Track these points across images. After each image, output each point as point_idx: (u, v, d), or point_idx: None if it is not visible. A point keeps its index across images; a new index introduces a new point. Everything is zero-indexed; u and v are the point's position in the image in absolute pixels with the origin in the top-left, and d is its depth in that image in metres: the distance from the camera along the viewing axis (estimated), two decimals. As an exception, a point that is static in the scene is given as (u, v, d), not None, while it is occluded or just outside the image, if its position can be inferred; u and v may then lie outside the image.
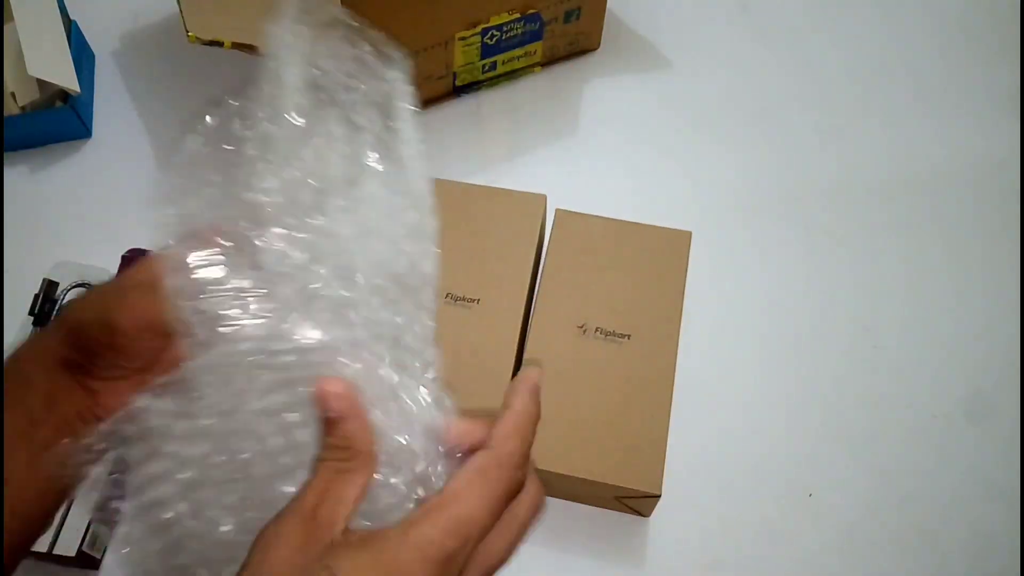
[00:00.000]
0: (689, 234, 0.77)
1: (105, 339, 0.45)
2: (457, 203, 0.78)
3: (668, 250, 0.76)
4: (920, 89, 0.98)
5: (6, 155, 0.91)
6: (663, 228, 0.77)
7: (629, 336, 0.72)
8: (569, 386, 0.70)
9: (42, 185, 0.91)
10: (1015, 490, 0.75)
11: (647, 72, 0.99)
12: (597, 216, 0.78)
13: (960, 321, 0.83)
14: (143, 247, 0.81)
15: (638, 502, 0.70)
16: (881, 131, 0.95)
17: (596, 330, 0.72)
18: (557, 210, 0.77)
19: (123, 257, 0.80)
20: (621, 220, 0.78)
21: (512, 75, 0.97)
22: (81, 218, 0.88)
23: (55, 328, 0.47)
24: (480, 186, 0.80)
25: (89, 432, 0.45)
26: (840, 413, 0.78)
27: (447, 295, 0.73)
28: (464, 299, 0.74)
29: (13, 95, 0.90)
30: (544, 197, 0.78)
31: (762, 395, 0.79)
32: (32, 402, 0.45)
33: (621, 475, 0.67)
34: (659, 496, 0.67)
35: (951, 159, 0.93)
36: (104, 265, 0.81)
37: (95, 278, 0.80)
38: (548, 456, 0.66)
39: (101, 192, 0.90)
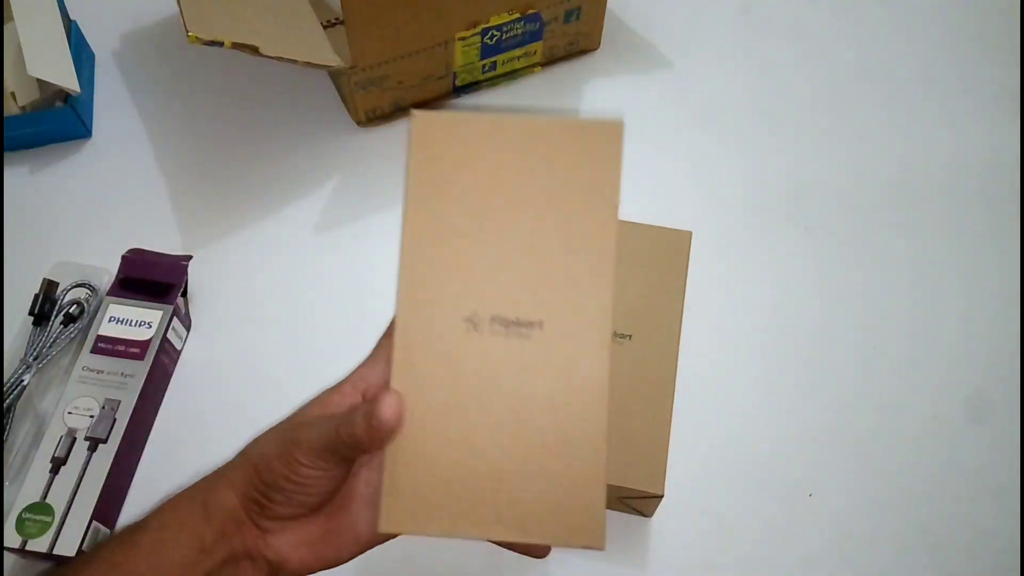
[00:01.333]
0: (689, 234, 0.76)
1: (286, 471, 0.47)
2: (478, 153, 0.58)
3: (668, 250, 0.75)
4: (924, 88, 0.98)
5: (6, 155, 0.91)
6: (663, 228, 0.76)
7: (631, 336, 0.72)
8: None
9: (42, 185, 0.91)
10: (1016, 491, 0.75)
11: (647, 72, 0.99)
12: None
13: (961, 322, 0.83)
14: (143, 246, 0.82)
15: (640, 502, 0.70)
16: (884, 130, 0.95)
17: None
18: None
19: (123, 257, 0.80)
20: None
21: (512, 75, 0.97)
22: (81, 217, 0.88)
23: (240, 462, 0.49)
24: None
25: (254, 572, 0.49)
26: (841, 413, 0.78)
27: (493, 319, 0.64)
28: (519, 323, 0.64)
29: (13, 95, 0.90)
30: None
31: (763, 395, 0.79)
32: (206, 533, 0.48)
33: (624, 476, 0.66)
34: (661, 496, 0.67)
35: (953, 159, 0.93)
36: (104, 264, 0.81)
37: (95, 278, 0.80)
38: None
39: (101, 191, 0.90)
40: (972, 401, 0.78)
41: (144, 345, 0.76)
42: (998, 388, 0.79)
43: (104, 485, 0.70)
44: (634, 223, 0.77)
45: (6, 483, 0.72)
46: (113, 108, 0.96)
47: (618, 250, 0.48)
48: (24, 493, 0.69)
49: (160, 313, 0.77)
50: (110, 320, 0.77)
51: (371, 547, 0.50)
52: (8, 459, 0.73)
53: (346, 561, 0.50)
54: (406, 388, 0.47)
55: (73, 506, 0.69)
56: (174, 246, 0.85)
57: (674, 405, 0.70)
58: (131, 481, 0.74)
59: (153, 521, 0.49)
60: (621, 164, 0.49)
